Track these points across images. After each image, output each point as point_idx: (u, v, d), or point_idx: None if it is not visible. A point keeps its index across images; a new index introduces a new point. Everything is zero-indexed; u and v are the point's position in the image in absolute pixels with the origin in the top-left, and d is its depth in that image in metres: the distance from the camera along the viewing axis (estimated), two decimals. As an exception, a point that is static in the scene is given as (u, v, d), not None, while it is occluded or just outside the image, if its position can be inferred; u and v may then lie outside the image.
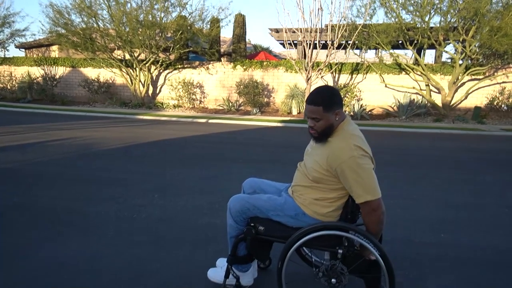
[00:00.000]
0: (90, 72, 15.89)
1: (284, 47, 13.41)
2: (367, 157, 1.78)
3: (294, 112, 13.24)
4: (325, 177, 1.85)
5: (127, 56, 14.32)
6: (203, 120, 11.74)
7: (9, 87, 17.02)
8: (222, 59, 17.75)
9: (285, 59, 15.41)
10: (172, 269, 2.45)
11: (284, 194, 2.11)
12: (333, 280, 1.81)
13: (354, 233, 1.77)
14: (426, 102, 12.48)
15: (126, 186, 4.33)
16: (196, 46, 14.43)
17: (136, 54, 14.02)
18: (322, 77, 12.97)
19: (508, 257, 2.71)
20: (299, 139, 8.44)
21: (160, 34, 13.74)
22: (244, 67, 14.43)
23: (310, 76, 11.75)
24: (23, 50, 21.58)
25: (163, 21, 13.17)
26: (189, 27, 13.47)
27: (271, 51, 26.68)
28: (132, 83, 14.62)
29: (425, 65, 12.48)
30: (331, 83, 13.42)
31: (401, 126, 10.87)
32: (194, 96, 14.68)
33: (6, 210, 3.46)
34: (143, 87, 14.73)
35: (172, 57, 14.75)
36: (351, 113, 12.65)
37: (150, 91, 15.33)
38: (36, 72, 16.44)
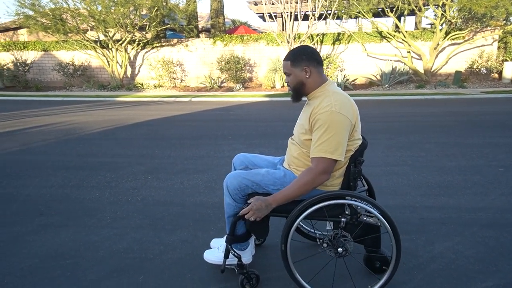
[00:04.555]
0: (64, 55, 15.21)
1: (264, 20, 13.11)
2: (344, 116, 1.71)
3: (278, 86, 13.09)
4: (311, 140, 1.81)
5: (102, 37, 13.72)
6: (186, 99, 11.49)
7: (-23, 75, 16.16)
8: (200, 35, 17.27)
9: (265, 32, 15.08)
10: (175, 252, 2.39)
11: (281, 167, 2.05)
12: (339, 249, 1.79)
13: (359, 201, 1.74)
14: (408, 69, 12.53)
15: (115, 170, 4.19)
16: (173, 23, 13.92)
17: (111, 34, 13.45)
18: (304, 49, 12.77)
19: (511, 216, 2.76)
20: (285, 112, 8.37)
21: (135, 12, 13.16)
22: (224, 42, 14.08)
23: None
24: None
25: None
26: (164, 3, 12.94)
27: (250, 25, 26.13)
28: (109, 65, 14.10)
29: (406, 31, 12.45)
30: (313, 55, 13.26)
31: (384, 94, 10.92)
32: (174, 75, 14.30)
33: (-8, 202, 3.30)
34: (121, 68, 14.24)
35: (149, 35, 14.22)
36: (335, 84, 12.61)
37: (129, 72, 14.85)
38: (6, 58, 15.63)
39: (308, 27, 11.69)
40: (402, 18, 13.61)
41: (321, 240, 1.84)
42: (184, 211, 3.02)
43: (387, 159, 4.32)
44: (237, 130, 6.44)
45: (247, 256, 2.06)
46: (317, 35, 13.05)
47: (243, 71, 13.66)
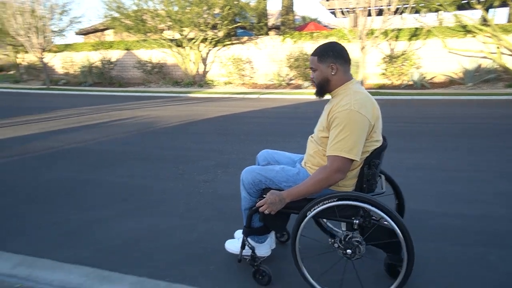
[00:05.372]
0: (143, 54, 16.35)
1: (335, 16, 12.78)
2: (362, 116, 1.67)
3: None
4: (327, 138, 1.79)
5: (177, 36, 14.49)
6: (255, 96, 11.67)
7: (71, 72, 18.08)
8: (270, 32, 17.39)
9: (336, 29, 14.71)
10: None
11: (298, 164, 2.07)
12: (348, 250, 1.75)
13: (368, 204, 1.68)
14: (497, 66, 11.34)
15: (188, 162, 4.40)
16: (243, 21, 14.23)
17: (185, 33, 14.14)
18: (377, 45, 12.22)
19: None
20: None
21: (208, 11, 13.69)
22: (294, 39, 14.01)
23: (365, 45, 11.13)
24: (82, 36, 22.68)
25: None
26: (236, 2, 13.27)
27: (320, 22, 25.67)
28: (183, 62, 14.85)
29: (496, 25, 11.27)
30: (387, 52, 12.62)
31: (467, 94, 10.02)
32: (244, 72, 14.60)
33: (77, 185, 3.66)
34: (194, 65, 14.91)
35: (220, 34, 14.70)
36: (410, 82, 11.89)
37: (201, 69, 15.49)
38: (94, 56, 17.25)
39: (383, 22, 11.15)
40: (491, 10, 12.33)
41: (333, 240, 1.81)
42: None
43: (462, 167, 3.97)
44: (304, 127, 6.37)
45: (264, 250, 2.09)
46: (392, 30, 12.39)
47: (311, 69, 13.48)
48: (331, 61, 1.80)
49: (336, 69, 1.80)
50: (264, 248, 2.10)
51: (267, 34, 15.18)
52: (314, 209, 1.74)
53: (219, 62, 14.94)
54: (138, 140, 5.74)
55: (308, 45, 13.81)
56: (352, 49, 13.02)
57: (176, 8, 13.39)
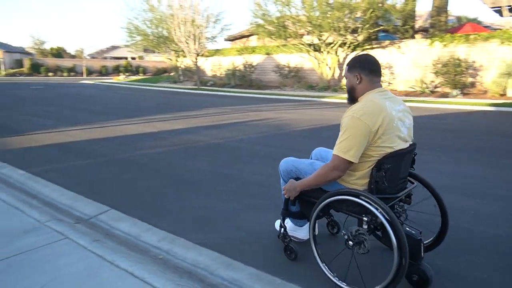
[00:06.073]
0: (282, 58, 17.08)
1: (500, 15, 10.98)
2: (362, 123, 1.82)
3: (510, 93, 10.79)
4: None
5: (316, 41, 14.67)
6: (392, 103, 10.95)
7: (218, 74, 20.18)
8: (416, 36, 16.06)
9: (500, 29, 12.64)
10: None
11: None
12: (349, 242, 1.89)
13: (363, 198, 1.81)
14: None
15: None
16: (387, 24, 13.50)
17: (324, 38, 14.20)
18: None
19: None
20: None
21: (349, 15, 13.44)
22: (444, 43, 12.62)
23: (539, 48, 9.24)
24: (229, 42, 25.06)
25: (353, 1, 12.81)
26: (380, 4, 12.67)
27: (481, 22, 22.47)
28: (319, 67, 14.95)
29: None
30: None
31: None
32: (382, 78, 13.84)
33: (213, 177, 4.03)
34: (330, 70, 14.85)
35: (360, 38, 14.27)
36: None
37: (336, 74, 15.33)
38: (238, 60, 18.84)
39: None
40: None
41: (344, 232, 1.94)
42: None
43: None
44: (447, 141, 5.68)
45: (302, 233, 2.43)
46: None
47: (463, 75, 11.91)
48: (357, 71, 1.98)
49: (361, 79, 1.98)
50: (302, 232, 2.43)
51: (412, 37, 14.05)
52: (325, 200, 1.94)
53: (356, 67, 14.53)
54: (272, 140, 6.02)
55: (462, 49, 12.26)
56: (520, 53, 11.03)
57: (317, 13, 13.56)
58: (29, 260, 2.18)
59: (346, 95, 2.13)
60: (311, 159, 2.48)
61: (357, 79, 1.98)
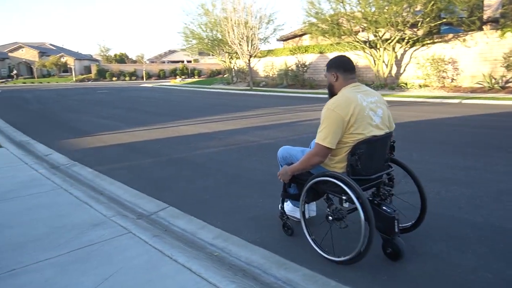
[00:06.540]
0: (335, 57, 16.72)
1: None
2: (336, 113, 2.11)
3: None
4: None
5: (371, 37, 14.17)
6: (456, 101, 10.26)
7: (270, 75, 20.28)
8: (484, 27, 14.88)
9: None
10: (427, 263, 2.19)
11: None
12: (329, 217, 2.27)
13: (335, 179, 2.14)
14: None
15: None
16: (450, 16, 12.65)
17: (380, 34, 13.67)
18: None
19: None
20: None
21: (408, 9, 12.80)
22: (517, 33, 11.56)
23: None
24: (281, 42, 25.07)
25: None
26: (443, -5, 11.92)
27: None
28: (375, 64, 14.44)
29: None
30: None
31: None
32: (444, 74, 13.02)
33: (265, 177, 4.04)
34: (386, 67, 14.27)
35: (419, 32, 13.54)
36: None
37: (393, 71, 14.69)
38: (291, 60, 18.78)
39: None
40: None
41: (328, 210, 2.30)
42: (438, 223, 2.72)
43: None
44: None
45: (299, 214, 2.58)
46: None
47: (540, 69, 10.83)
48: (333, 71, 2.28)
49: (337, 77, 2.27)
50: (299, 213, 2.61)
51: (480, 29, 13.03)
52: (311, 181, 2.28)
53: (415, 63, 13.81)
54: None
55: (538, 40, 11.14)
56: None
57: (373, 9, 13.10)
58: (99, 251, 2.37)
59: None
60: (310, 148, 2.65)
61: (334, 77, 2.28)
